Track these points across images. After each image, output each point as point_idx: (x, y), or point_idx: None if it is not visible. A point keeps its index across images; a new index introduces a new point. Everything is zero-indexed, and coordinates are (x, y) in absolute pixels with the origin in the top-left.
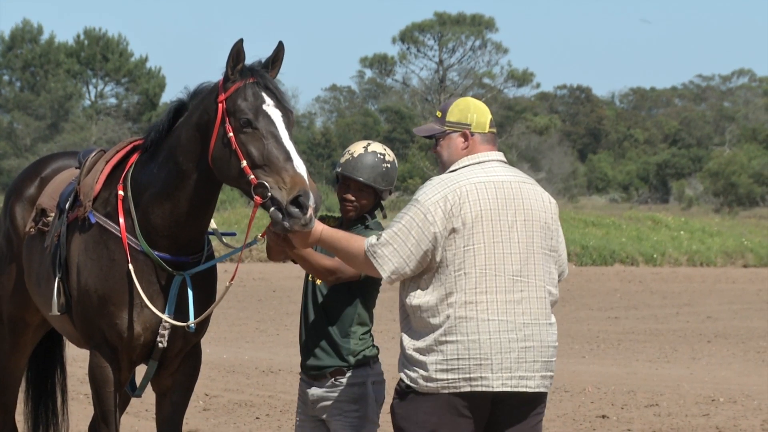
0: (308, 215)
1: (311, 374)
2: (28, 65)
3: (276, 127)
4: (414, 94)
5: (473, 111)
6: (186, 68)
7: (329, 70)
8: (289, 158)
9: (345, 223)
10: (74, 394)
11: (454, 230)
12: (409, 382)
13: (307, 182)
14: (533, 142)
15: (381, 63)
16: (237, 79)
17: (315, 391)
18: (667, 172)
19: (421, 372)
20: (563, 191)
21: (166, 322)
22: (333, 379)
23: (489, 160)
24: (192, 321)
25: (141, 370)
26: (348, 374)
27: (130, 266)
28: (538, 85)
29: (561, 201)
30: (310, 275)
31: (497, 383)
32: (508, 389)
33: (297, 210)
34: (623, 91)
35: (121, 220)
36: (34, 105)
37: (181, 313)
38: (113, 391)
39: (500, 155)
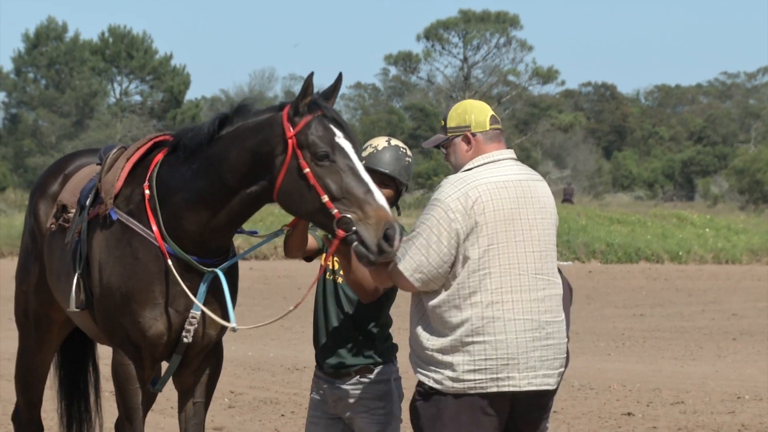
0: (396, 248)
1: (334, 373)
2: (53, 63)
3: (351, 160)
4: (439, 92)
5: (470, 111)
6: (210, 66)
7: (354, 68)
8: (369, 191)
9: None
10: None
11: (475, 226)
12: (433, 384)
13: (390, 215)
14: (558, 139)
15: (406, 60)
16: (305, 113)
17: (338, 390)
18: (692, 169)
19: (447, 373)
20: (588, 189)
21: (192, 317)
22: (358, 377)
23: (502, 159)
24: (233, 323)
25: (164, 365)
26: (375, 372)
27: (169, 262)
28: (563, 83)
29: (586, 198)
30: (333, 275)
31: (524, 382)
32: (534, 388)
33: (387, 245)
34: (648, 88)
35: (154, 228)
36: (59, 102)
37: (209, 311)
38: (136, 389)
39: (511, 153)
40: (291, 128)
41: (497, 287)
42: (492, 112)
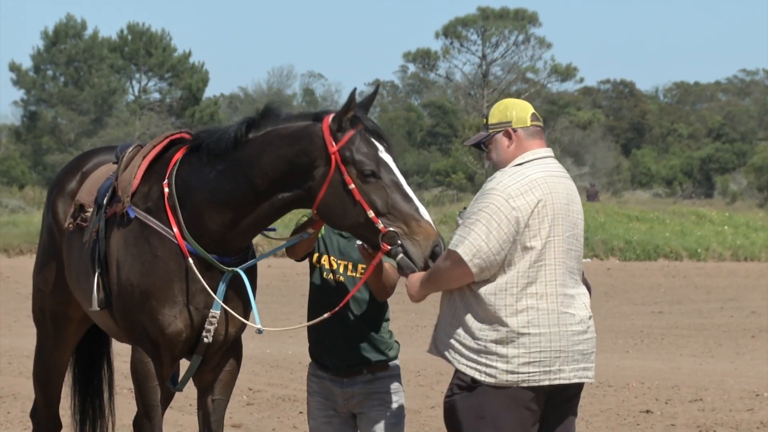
0: None
1: (346, 372)
2: (72, 60)
3: (395, 175)
4: (457, 89)
5: (512, 108)
6: (229, 63)
7: (372, 65)
8: (415, 207)
9: None
10: (118, 388)
11: (537, 217)
12: (485, 378)
13: (436, 230)
14: (577, 136)
15: (424, 58)
16: (348, 127)
17: (350, 388)
18: (711, 166)
19: (501, 365)
20: (607, 186)
21: (213, 317)
22: (371, 374)
23: (547, 156)
24: (259, 324)
25: (184, 365)
26: (388, 367)
27: (190, 260)
28: (581, 80)
29: (605, 196)
30: (332, 275)
31: (572, 374)
32: (577, 381)
33: (433, 262)
34: (667, 85)
35: (174, 226)
36: (78, 100)
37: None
38: (155, 386)
39: (551, 151)
40: (334, 143)
41: (551, 279)
42: (533, 110)
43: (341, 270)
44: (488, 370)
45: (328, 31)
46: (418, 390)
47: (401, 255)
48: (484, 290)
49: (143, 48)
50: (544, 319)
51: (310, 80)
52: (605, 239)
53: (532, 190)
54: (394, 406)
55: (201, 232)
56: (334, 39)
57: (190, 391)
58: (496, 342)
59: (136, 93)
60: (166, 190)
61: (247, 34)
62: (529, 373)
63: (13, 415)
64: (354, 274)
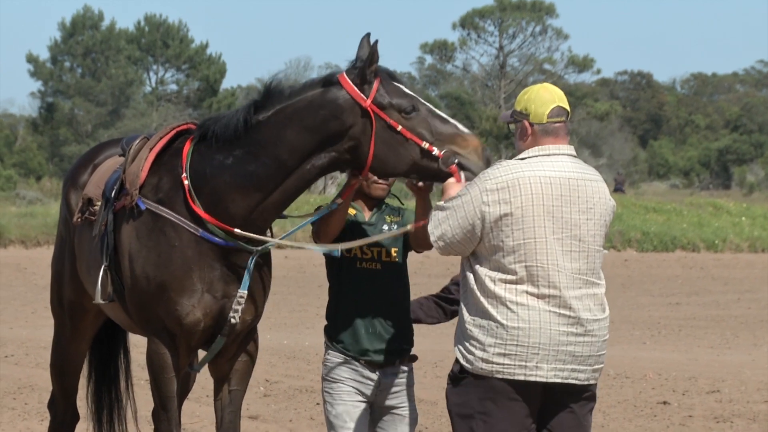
0: None
1: (382, 362)
2: (89, 52)
3: (426, 104)
4: (474, 80)
5: (532, 101)
6: (246, 54)
7: (389, 56)
8: (454, 125)
9: (368, 202)
10: (136, 379)
11: (510, 215)
12: (464, 362)
13: (479, 139)
14: (594, 128)
15: (441, 49)
16: (372, 79)
17: (386, 379)
18: (729, 158)
19: (478, 353)
20: (624, 177)
21: (241, 297)
22: (402, 366)
23: (558, 154)
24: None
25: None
26: (415, 359)
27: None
28: (598, 71)
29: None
30: (369, 263)
31: (551, 374)
32: (559, 381)
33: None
34: (684, 76)
35: (203, 215)
36: (95, 91)
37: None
38: (171, 377)
39: (569, 149)
40: (365, 97)
41: (535, 279)
42: (556, 104)
43: (375, 257)
44: (468, 356)
45: (345, 22)
46: (436, 381)
47: (463, 171)
48: (477, 276)
49: (160, 39)
50: (525, 315)
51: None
52: (622, 230)
53: (510, 186)
54: (414, 400)
55: (224, 218)
56: (351, 30)
57: (207, 381)
58: (479, 328)
59: (153, 84)
60: (186, 182)
61: (265, 26)
62: (503, 364)
63: (30, 406)
64: (389, 259)
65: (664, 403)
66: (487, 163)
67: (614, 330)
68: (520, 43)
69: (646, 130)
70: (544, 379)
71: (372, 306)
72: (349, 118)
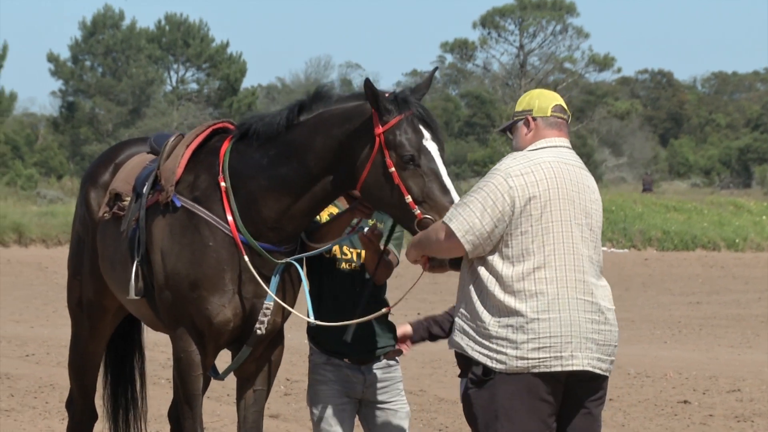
0: None
1: (365, 359)
2: (110, 51)
3: (436, 164)
4: (495, 79)
5: (536, 98)
6: (267, 53)
7: (410, 55)
8: (451, 199)
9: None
10: (155, 378)
11: (536, 200)
12: (494, 365)
13: None
14: (614, 126)
15: (462, 48)
16: (394, 111)
17: (370, 375)
18: (749, 156)
19: (511, 351)
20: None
21: (267, 309)
22: (386, 361)
23: (560, 146)
24: (312, 318)
25: (222, 355)
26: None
27: (246, 259)
28: (619, 70)
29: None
30: (346, 264)
31: (585, 362)
32: (590, 369)
33: None
34: (705, 75)
35: (230, 217)
36: (116, 90)
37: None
38: (198, 376)
39: (566, 142)
40: (380, 125)
41: (563, 264)
42: (559, 102)
43: (354, 258)
44: (499, 357)
45: (365, 21)
46: (457, 381)
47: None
48: (493, 276)
49: (181, 38)
50: (555, 305)
51: (347, 70)
52: (643, 229)
53: (533, 171)
54: (404, 394)
55: (257, 220)
56: (371, 29)
57: (228, 380)
58: (506, 327)
59: (174, 83)
60: (223, 184)
61: (285, 25)
62: (539, 358)
63: (51, 405)
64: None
65: (685, 402)
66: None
67: (635, 329)
68: (541, 41)
69: (666, 128)
70: (580, 368)
71: (352, 305)
72: (363, 139)
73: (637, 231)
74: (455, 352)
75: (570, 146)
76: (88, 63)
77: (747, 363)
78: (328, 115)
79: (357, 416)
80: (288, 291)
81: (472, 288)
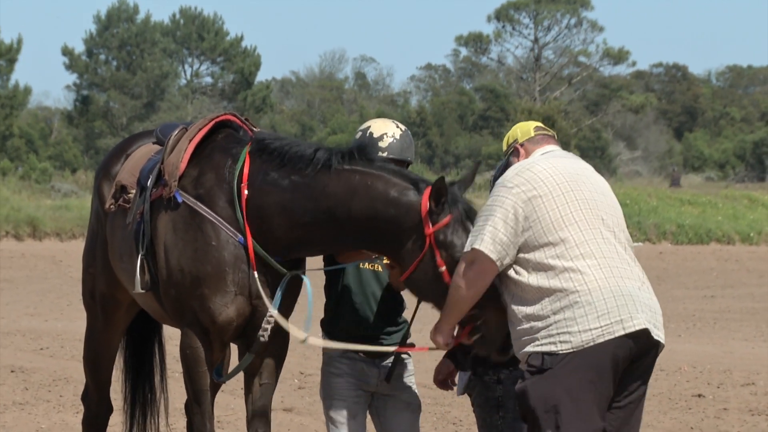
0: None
1: (376, 352)
2: (125, 44)
3: None
4: (509, 73)
5: (516, 129)
6: (281, 47)
7: (424, 49)
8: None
9: None
10: (170, 372)
11: (540, 195)
12: (559, 347)
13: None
14: (629, 120)
15: (476, 41)
16: (444, 212)
17: (385, 368)
18: (764, 150)
19: (572, 328)
20: (659, 170)
21: (270, 317)
22: (399, 354)
23: (552, 150)
24: (308, 337)
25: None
26: (412, 346)
27: (255, 274)
28: (633, 63)
29: (657, 179)
30: (370, 264)
31: (645, 321)
32: (650, 327)
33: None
34: (720, 68)
35: (250, 240)
36: (130, 84)
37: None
38: (205, 371)
39: (558, 148)
40: (431, 225)
41: (589, 239)
42: (538, 124)
43: (379, 257)
44: (562, 337)
45: (379, 14)
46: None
47: (478, 336)
48: (526, 272)
49: (195, 32)
50: (599, 273)
51: (361, 64)
52: (657, 223)
53: (530, 169)
54: (416, 387)
55: (267, 236)
56: (385, 23)
57: (242, 374)
58: (560, 310)
59: (188, 77)
60: (246, 192)
61: (299, 18)
62: (602, 326)
63: (65, 398)
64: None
65: (699, 396)
66: (505, 349)
67: None
68: (555, 35)
69: (681, 122)
70: (642, 326)
71: (373, 304)
72: (408, 232)
73: (652, 224)
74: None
75: (560, 149)
76: (102, 57)
77: (761, 357)
78: (373, 182)
79: (368, 410)
80: (289, 293)
81: (511, 306)
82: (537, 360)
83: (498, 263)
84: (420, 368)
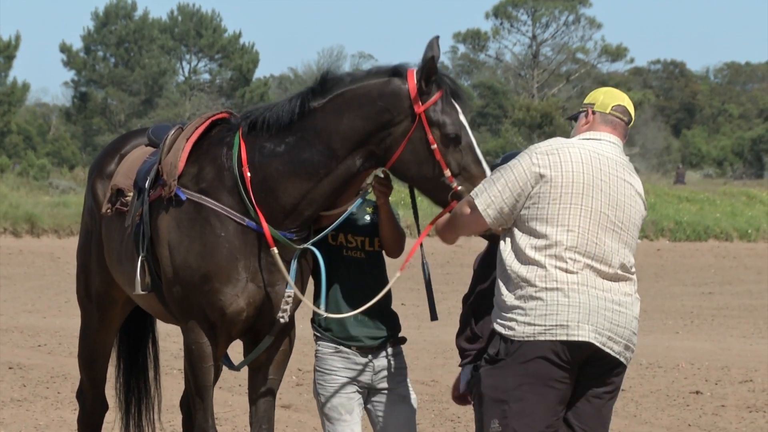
0: None
1: (373, 346)
2: (123, 41)
3: (470, 137)
4: (507, 70)
5: (602, 93)
6: (279, 44)
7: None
8: (483, 169)
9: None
10: (167, 368)
11: (558, 177)
12: (506, 331)
13: None
14: None
15: (474, 38)
16: (433, 90)
17: (379, 362)
18: (762, 147)
19: (520, 318)
20: (657, 167)
21: (288, 296)
22: (392, 348)
23: (605, 140)
24: (323, 311)
25: (234, 345)
26: (404, 340)
27: (275, 249)
28: (631, 60)
29: (655, 176)
30: (353, 252)
31: (591, 335)
32: (598, 344)
33: None
34: (718, 65)
35: (263, 220)
36: (129, 81)
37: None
38: (210, 367)
39: (617, 139)
40: (421, 103)
41: (573, 245)
42: (622, 103)
43: (359, 245)
44: (509, 323)
45: (378, 11)
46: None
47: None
48: (512, 248)
49: (193, 29)
50: (563, 277)
51: (360, 61)
52: (655, 220)
53: (559, 152)
54: (407, 380)
55: (273, 207)
56: (384, 19)
57: (241, 371)
58: (520, 298)
59: (186, 74)
60: (248, 174)
61: (298, 15)
62: (545, 326)
63: (63, 395)
64: (372, 248)
65: (697, 392)
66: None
67: (647, 319)
68: (553, 32)
69: (679, 119)
70: (585, 338)
71: (358, 293)
72: (400, 116)
73: (650, 221)
74: (455, 342)
75: (618, 144)
76: (100, 53)
77: (759, 353)
78: (353, 95)
79: (365, 406)
80: (301, 279)
81: (498, 264)
82: (494, 348)
83: (492, 226)
84: (419, 365)
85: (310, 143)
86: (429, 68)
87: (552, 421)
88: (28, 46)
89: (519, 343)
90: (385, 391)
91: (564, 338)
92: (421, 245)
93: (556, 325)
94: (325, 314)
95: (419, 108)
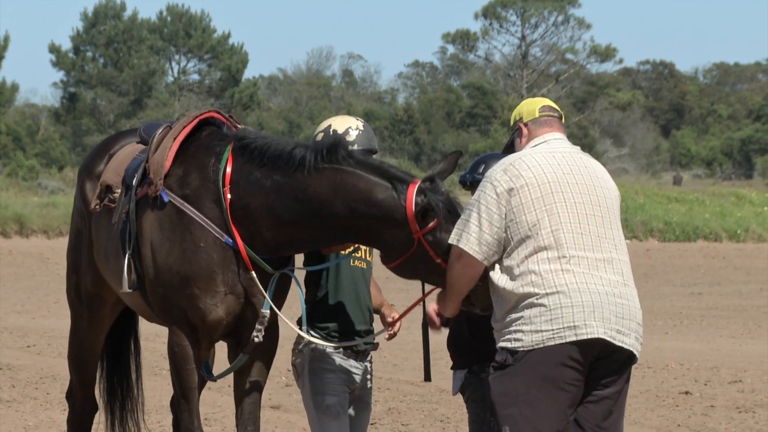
0: None
1: (363, 351)
2: (112, 42)
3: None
4: (496, 70)
5: (522, 106)
6: (268, 44)
7: (412, 46)
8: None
9: None
10: (157, 369)
11: (524, 187)
12: (514, 345)
13: None
14: (616, 117)
15: (463, 39)
16: (432, 216)
17: (365, 366)
18: (751, 147)
19: (526, 328)
20: (646, 167)
21: (263, 317)
22: (371, 354)
23: (552, 139)
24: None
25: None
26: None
27: (253, 274)
28: (620, 61)
29: (644, 177)
30: (358, 262)
31: (601, 330)
32: (609, 339)
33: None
34: (707, 66)
35: (240, 241)
36: (118, 81)
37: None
38: (193, 369)
39: (561, 135)
40: (419, 228)
41: (562, 243)
42: (546, 103)
43: (365, 256)
44: (515, 335)
45: (367, 11)
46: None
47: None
48: (502, 272)
49: (182, 29)
50: (561, 279)
51: (349, 61)
52: (645, 220)
53: (515, 164)
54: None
55: (253, 233)
56: (373, 20)
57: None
58: (522, 310)
59: (176, 74)
60: (228, 196)
61: (287, 15)
62: (552, 330)
63: (52, 396)
64: (371, 258)
65: (686, 393)
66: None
67: None
68: (543, 32)
69: (668, 119)
70: (594, 335)
71: (359, 300)
72: (396, 229)
73: (639, 222)
74: (447, 344)
75: (564, 138)
76: (89, 54)
77: (748, 354)
78: (351, 185)
79: None
80: (280, 291)
81: (493, 293)
82: (501, 356)
83: (485, 262)
84: (408, 366)
85: (299, 199)
86: (425, 207)
87: (562, 425)
88: (17, 47)
89: (529, 353)
90: (356, 398)
91: (573, 339)
92: (424, 303)
93: (564, 328)
94: (308, 337)
95: (418, 233)
